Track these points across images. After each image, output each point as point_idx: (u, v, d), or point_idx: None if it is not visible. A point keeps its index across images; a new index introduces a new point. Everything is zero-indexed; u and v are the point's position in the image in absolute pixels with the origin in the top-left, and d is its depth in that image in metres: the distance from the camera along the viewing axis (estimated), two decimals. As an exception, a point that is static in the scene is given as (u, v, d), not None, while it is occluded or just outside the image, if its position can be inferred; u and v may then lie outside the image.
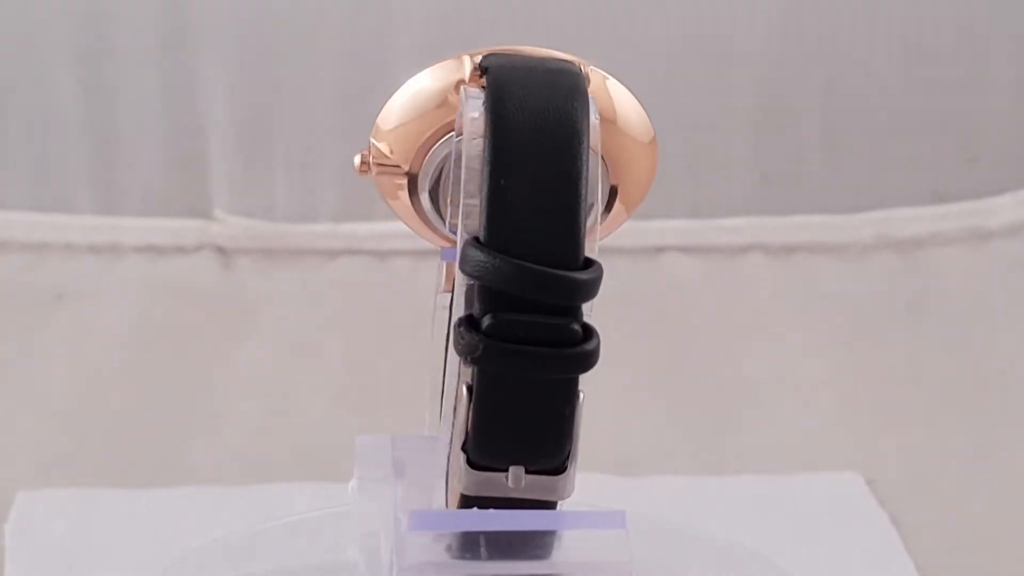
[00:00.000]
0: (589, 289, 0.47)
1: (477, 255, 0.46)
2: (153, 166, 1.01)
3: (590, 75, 0.52)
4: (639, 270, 0.98)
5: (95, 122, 1.00)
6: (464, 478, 0.49)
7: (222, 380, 0.87)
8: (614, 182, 0.53)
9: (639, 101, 0.53)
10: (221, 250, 0.99)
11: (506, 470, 0.49)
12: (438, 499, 0.52)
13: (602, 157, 0.52)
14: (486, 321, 0.47)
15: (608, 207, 0.53)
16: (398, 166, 0.53)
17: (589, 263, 0.47)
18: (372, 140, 0.54)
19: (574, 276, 0.46)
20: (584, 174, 0.47)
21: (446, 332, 0.54)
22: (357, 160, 0.54)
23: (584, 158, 0.47)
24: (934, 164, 1.04)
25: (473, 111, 0.49)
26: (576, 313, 0.47)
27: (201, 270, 0.98)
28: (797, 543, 0.71)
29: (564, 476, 0.49)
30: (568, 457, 0.49)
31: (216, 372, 0.88)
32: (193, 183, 1.01)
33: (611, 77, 0.53)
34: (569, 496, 0.50)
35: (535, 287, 0.46)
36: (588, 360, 0.47)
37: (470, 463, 0.49)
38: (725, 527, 0.69)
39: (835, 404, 0.86)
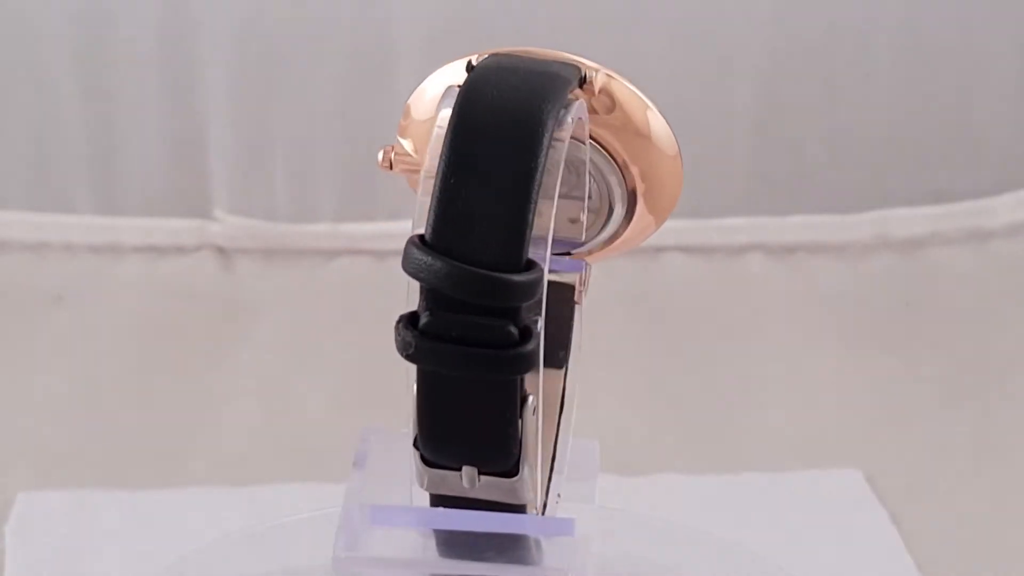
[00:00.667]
0: (525, 292, 0.46)
1: (415, 253, 0.46)
2: (153, 166, 1.01)
3: (613, 87, 0.52)
4: (639, 270, 0.98)
5: (95, 122, 1.00)
6: (419, 475, 0.49)
7: (222, 380, 0.87)
8: (644, 195, 0.53)
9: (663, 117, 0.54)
10: (221, 250, 0.99)
11: (459, 469, 0.48)
12: (396, 492, 0.51)
13: (618, 163, 0.53)
14: (423, 319, 0.46)
15: (630, 214, 0.53)
16: (420, 164, 0.54)
17: (530, 265, 0.46)
18: (398, 137, 0.54)
19: (509, 278, 0.45)
20: (537, 177, 0.46)
21: None
22: (380, 156, 0.54)
23: (541, 160, 0.46)
24: (934, 164, 1.04)
25: (448, 108, 0.48)
26: (514, 315, 0.46)
27: (201, 270, 0.98)
28: (797, 540, 0.71)
29: (519, 480, 0.48)
30: (519, 461, 0.48)
31: (216, 372, 0.88)
32: (193, 183, 1.01)
33: (639, 92, 0.53)
34: (530, 501, 0.49)
35: (467, 288, 0.45)
36: (521, 363, 0.46)
37: (423, 459, 0.49)
38: (725, 526, 0.69)
39: (835, 403, 0.86)
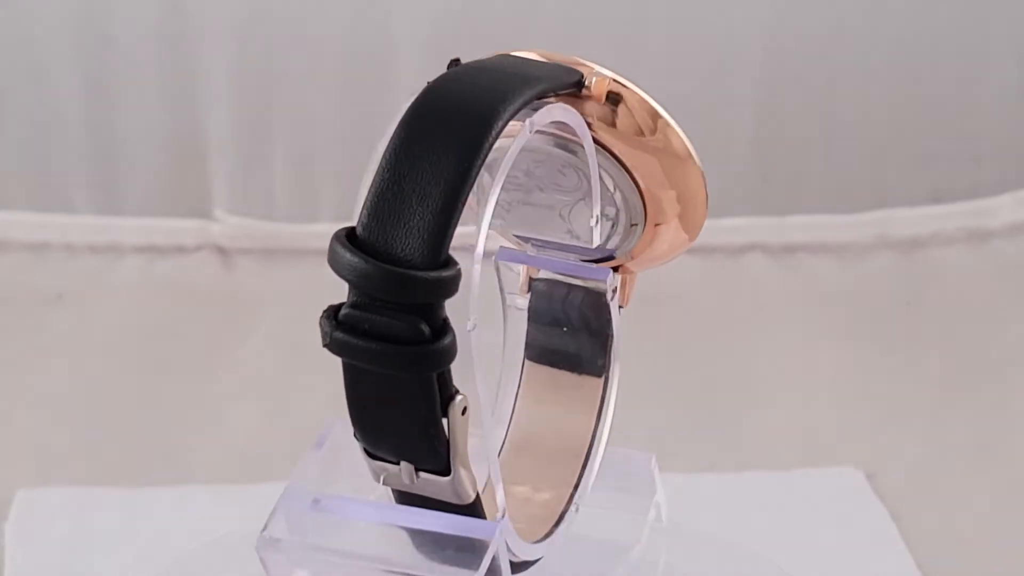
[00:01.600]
0: (435, 288, 0.45)
1: (335, 246, 0.46)
2: (153, 166, 1.01)
3: (638, 102, 0.53)
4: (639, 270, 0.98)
5: (95, 122, 1.00)
6: (366, 465, 0.49)
7: (222, 380, 0.87)
8: (680, 215, 0.54)
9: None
10: (221, 250, 0.99)
11: (398, 463, 0.49)
12: (346, 480, 0.52)
13: (632, 176, 0.53)
14: (343, 312, 0.46)
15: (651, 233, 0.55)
16: None
17: (449, 262, 0.45)
18: None
19: (418, 275, 0.45)
20: (471, 176, 0.46)
21: (524, 334, 0.57)
22: None
23: (478, 160, 0.46)
24: (934, 164, 1.04)
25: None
26: (427, 312, 0.45)
27: (201, 270, 0.98)
28: (797, 538, 0.71)
29: (454, 479, 0.48)
30: (450, 460, 0.48)
31: (216, 372, 0.88)
32: (193, 183, 1.01)
33: (661, 108, 0.54)
34: (467, 501, 0.49)
35: (375, 284, 0.45)
36: (430, 361, 0.46)
37: (365, 450, 0.49)
38: (725, 524, 0.69)
39: (835, 402, 0.86)
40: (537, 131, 0.51)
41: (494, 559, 0.49)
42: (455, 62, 0.51)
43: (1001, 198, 1.03)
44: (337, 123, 1.00)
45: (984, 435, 0.82)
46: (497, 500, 0.51)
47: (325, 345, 0.47)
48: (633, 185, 0.54)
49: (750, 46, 1.01)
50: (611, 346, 0.58)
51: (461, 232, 0.47)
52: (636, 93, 0.53)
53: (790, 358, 0.90)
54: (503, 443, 0.59)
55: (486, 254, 0.50)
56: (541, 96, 0.50)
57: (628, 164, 0.54)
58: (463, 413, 0.47)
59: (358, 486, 0.51)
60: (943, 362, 0.89)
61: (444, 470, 0.48)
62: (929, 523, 0.75)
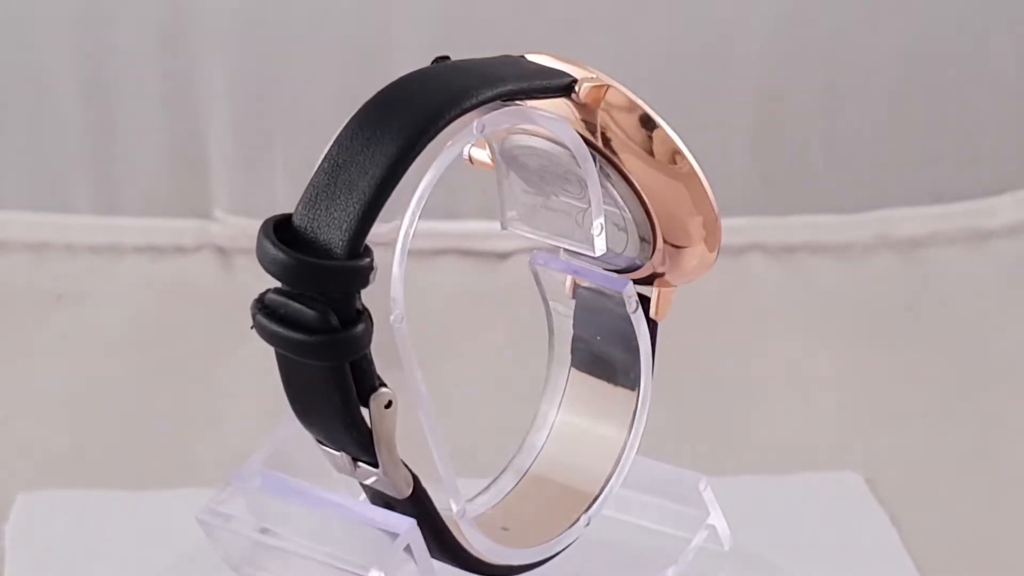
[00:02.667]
0: (341, 279, 0.46)
1: (260, 233, 0.47)
2: (153, 166, 1.01)
3: (665, 141, 0.53)
4: (639, 270, 0.98)
5: (95, 122, 1.00)
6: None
7: (222, 380, 0.87)
8: (706, 239, 0.55)
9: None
10: (221, 250, 0.99)
11: (339, 451, 0.49)
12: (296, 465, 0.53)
13: (638, 194, 0.53)
14: (267, 296, 0.47)
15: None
16: (486, 163, 0.55)
17: (363, 253, 0.46)
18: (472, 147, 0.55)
19: (327, 265, 0.46)
20: (398, 171, 0.46)
21: (569, 339, 0.57)
22: (466, 152, 0.55)
23: (408, 157, 0.47)
24: (934, 164, 1.04)
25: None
26: (340, 302, 0.46)
27: (201, 270, 0.98)
28: (797, 542, 0.71)
29: (383, 472, 0.49)
30: (375, 452, 0.48)
31: (216, 372, 0.88)
32: (193, 183, 1.01)
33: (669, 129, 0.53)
34: (402, 495, 0.50)
35: (286, 272, 0.46)
36: (333, 349, 0.46)
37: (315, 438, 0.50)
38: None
39: (834, 404, 0.86)
40: (537, 134, 0.51)
41: (408, 553, 0.50)
42: (441, 59, 0.51)
43: (1001, 198, 1.03)
44: (337, 123, 1.00)
45: (984, 439, 0.82)
46: (451, 498, 0.51)
47: (252, 327, 0.47)
48: (638, 203, 0.54)
49: (750, 46, 1.01)
50: (641, 359, 0.58)
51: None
52: (663, 129, 0.54)
53: (790, 359, 0.90)
54: (540, 449, 0.59)
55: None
56: (511, 97, 0.50)
57: (640, 183, 0.54)
58: (388, 406, 0.48)
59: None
60: (943, 364, 0.89)
61: (374, 461, 0.49)
62: (929, 528, 0.75)
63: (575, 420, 0.59)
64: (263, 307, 0.47)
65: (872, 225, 1.02)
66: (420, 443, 0.50)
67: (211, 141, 1.00)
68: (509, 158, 0.54)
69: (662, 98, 1.01)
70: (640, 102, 0.53)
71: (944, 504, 0.77)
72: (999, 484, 0.79)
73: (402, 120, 0.47)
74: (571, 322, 0.58)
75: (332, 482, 0.52)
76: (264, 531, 0.52)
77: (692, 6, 1.00)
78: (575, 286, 0.58)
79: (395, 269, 0.48)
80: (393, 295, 0.48)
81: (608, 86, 0.53)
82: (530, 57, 0.53)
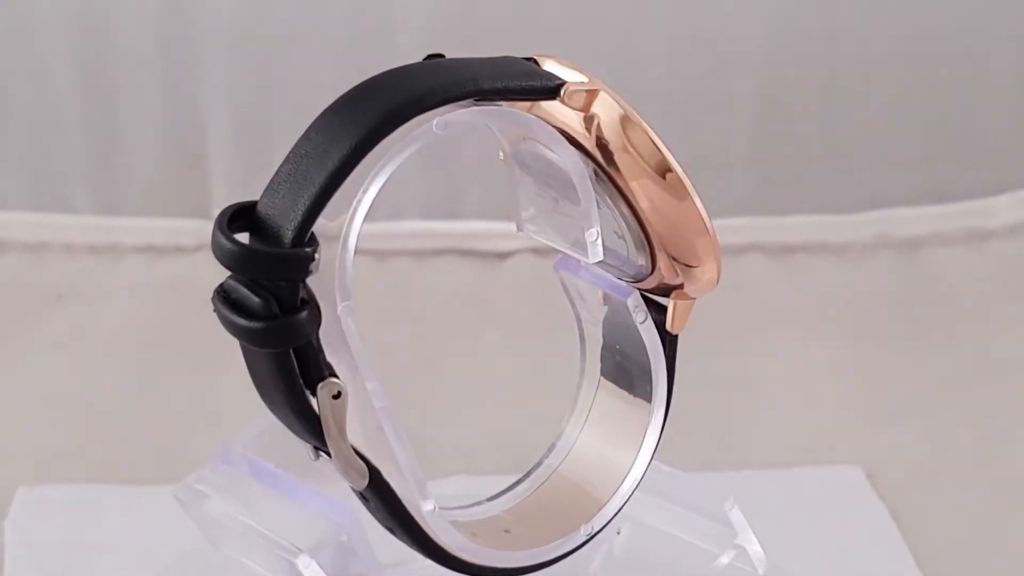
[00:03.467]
0: (278, 267, 0.47)
1: (215, 220, 0.47)
2: (153, 166, 1.01)
3: (627, 123, 0.52)
4: (639, 270, 0.98)
5: (95, 122, 1.00)
6: None
7: (222, 380, 0.87)
8: (716, 256, 0.54)
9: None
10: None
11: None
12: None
13: (632, 206, 0.52)
14: (226, 280, 0.48)
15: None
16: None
17: (308, 242, 0.47)
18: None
19: (264, 252, 0.47)
20: (348, 165, 0.47)
21: (599, 346, 0.57)
22: (501, 155, 0.55)
23: (360, 151, 0.47)
24: (934, 164, 1.04)
25: None
26: (283, 290, 0.47)
27: (201, 270, 0.98)
28: (797, 537, 0.71)
29: (335, 462, 0.50)
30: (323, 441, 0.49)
31: (216, 372, 0.88)
32: (193, 183, 1.01)
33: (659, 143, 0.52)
34: (360, 487, 0.50)
35: (227, 258, 0.47)
36: (272, 336, 0.47)
37: None
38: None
39: (835, 401, 0.86)
40: (538, 139, 0.51)
41: (348, 544, 0.52)
42: (433, 56, 0.51)
43: (1001, 198, 1.03)
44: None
45: (984, 434, 0.82)
46: (418, 494, 0.52)
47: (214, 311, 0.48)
48: (631, 210, 0.53)
49: (750, 46, 1.01)
50: (652, 372, 0.57)
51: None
52: (653, 141, 0.52)
53: (790, 357, 0.90)
54: (566, 454, 0.58)
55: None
56: (486, 97, 0.50)
57: (632, 192, 0.53)
58: (336, 397, 0.48)
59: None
60: (943, 361, 0.89)
61: (328, 450, 0.50)
62: (929, 522, 0.75)
63: (599, 429, 0.59)
64: (219, 291, 0.48)
65: (872, 225, 1.02)
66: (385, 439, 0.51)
67: (211, 141, 1.00)
68: (519, 161, 0.54)
69: (663, 98, 1.01)
70: (630, 111, 0.52)
71: (943, 498, 0.77)
72: (998, 479, 0.79)
73: (363, 116, 0.48)
74: (600, 330, 0.58)
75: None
76: (226, 511, 0.54)
77: (692, 6, 1.00)
78: (605, 293, 0.57)
79: (339, 261, 0.49)
80: (338, 286, 0.49)
81: (598, 92, 0.52)
82: (547, 64, 0.52)
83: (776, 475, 0.78)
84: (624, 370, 0.58)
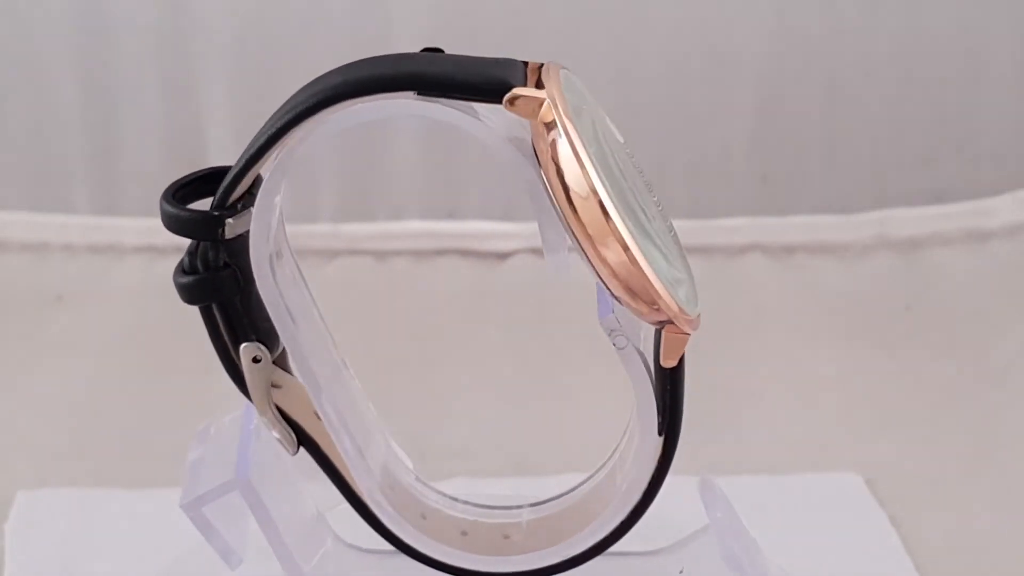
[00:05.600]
0: (182, 226, 0.51)
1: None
2: (153, 166, 1.01)
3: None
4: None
5: (95, 122, 1.00)
6: None
7: (222, 380, 0.87)
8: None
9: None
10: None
11: None
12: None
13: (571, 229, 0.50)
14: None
15: None
16: None
17: (226, 208, 0.51)
18: None
19: (172, 213, 0.51)
20: (272, 143, 0.50)
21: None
22: None
23: (281, 133, 0.50)
24: (934, 164, 1.04)
25: None
26: (205, 252, 0.52)
27: (201, 270, 0.98)
28: (797, 543, 0.71)
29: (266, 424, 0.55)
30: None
31: (215, 372, 0.88)
32: (193, 183, 1.01)
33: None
34: (291, 454, 0.55)
35: (162, 218, 0.52)
36: (185, 289, 0.54)
37: None
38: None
39: (835, 404, 0.86)
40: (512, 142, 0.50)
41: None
42: (431, 50, 0.52)
43: (1001, 198, 1.03)
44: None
45: (984, 439, 0.82)
46: (361, 479, 0.54)
47: None
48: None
49: (750, 46, 1.01)
50: (635, 399, 0.54)
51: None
52: (573, 163, 0.49)
53: (790, 359, 0.90)
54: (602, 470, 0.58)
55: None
56: (423, 90, 0.49)
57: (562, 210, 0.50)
58: (254, 361, 0.54)
59: None
60: (943, 364, 0.89)
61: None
62: (929, 528, 0.75)
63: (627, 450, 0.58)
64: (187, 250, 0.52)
65: (872, 225, 1.02)
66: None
67: (211, 141, 1.00)
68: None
69: (663, 98, 1.01)
70: (565, 123, 0.49)
71: (944, 504, 0.77)
72: (998, 484, 0.78)
73: (302, 98, 0.51)
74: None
75: None
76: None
77: (692, 7, 1.00)
78: None
79: (252, 225, 0.52)
80: (256, 258, 0.52)
81: (542, 102, 0.49)
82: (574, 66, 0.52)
83: (775, 481, 0.78)
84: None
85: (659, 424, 0.55)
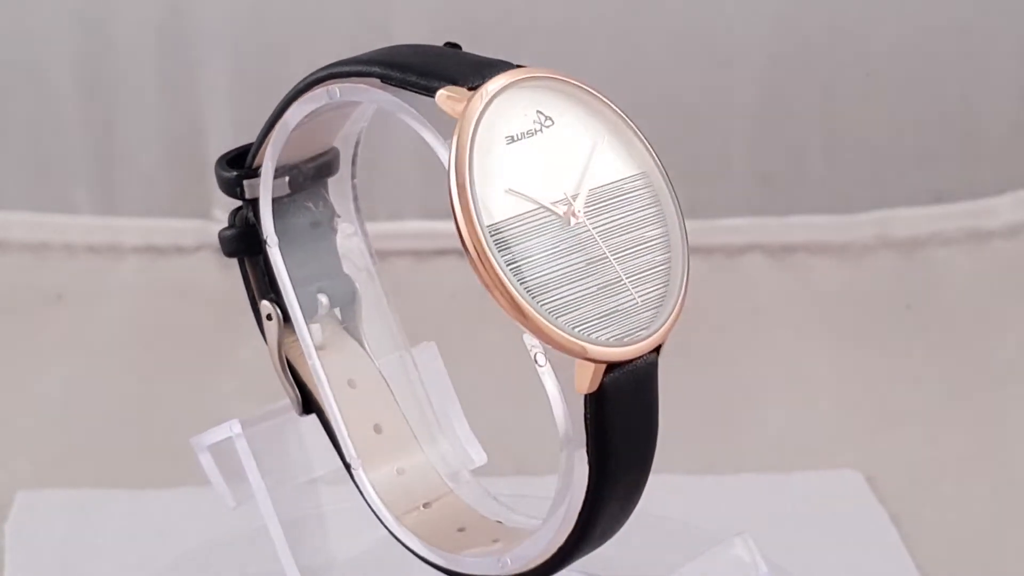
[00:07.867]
0: (220, 183, 0.57)
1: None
2: (153, 166, 1.01)
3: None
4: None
5: (95, 122, 1.00)
6: None
7: (222, 380, 0.87)
8: None
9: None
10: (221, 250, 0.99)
11: None
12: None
13: None
14: None
15: None
16: None
17: (249, 170, 0.56)
18: None
19: (218, 172, 0.57)
20: (275, 120, 0.54)
21: None
22: None
23: (282, 111, 0.54)
24: (934, 164, 1.04)
25: None
26: (239, 210, 0.58)
27: (201, 270, 0.98)
28: (797, 541, 0.71)
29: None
30: None
31: (216, 372, 0.88)
32: (193, 183, 1.01)
33: None
34: (298, 414, 0.59)
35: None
36: (219, 239, 0.59)
37: None
38: (725, 526, 0.69)
39: (834, 403, 0.86)
40: None
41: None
42: (451, 45, 0.53)
43: (1001, 198, 1.03)
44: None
45: (984, 437, 0.82)
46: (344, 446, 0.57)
47: None
48: None
49: (750, 46, 1.01)
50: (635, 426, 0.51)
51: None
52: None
53: (790, 359, 0.90)
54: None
55: None
56: (384, 79, 0.50)
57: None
58: (267, 319, 0.58)
59: None
60: (943, 363, 0.89)
61: None
62: (929, 526, 0.75)
63: None
64: None
65: (872, 225, 1.02)
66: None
67: (211, 141, 1.00)
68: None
69: (663, 98, 1.01)
70: (462, 135, 0.48)
71: (944, 502, 0.77)
72: (999, 482, 0.79)
73: (303, 80, 0.54)
74: None
75: None
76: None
77: (692, 6, 1.00)
78: None
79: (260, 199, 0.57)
80: (264, 223, 0.57)
81: (467, 103, 0.48)
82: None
83: (775, 479, 0.78)
84: None
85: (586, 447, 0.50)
